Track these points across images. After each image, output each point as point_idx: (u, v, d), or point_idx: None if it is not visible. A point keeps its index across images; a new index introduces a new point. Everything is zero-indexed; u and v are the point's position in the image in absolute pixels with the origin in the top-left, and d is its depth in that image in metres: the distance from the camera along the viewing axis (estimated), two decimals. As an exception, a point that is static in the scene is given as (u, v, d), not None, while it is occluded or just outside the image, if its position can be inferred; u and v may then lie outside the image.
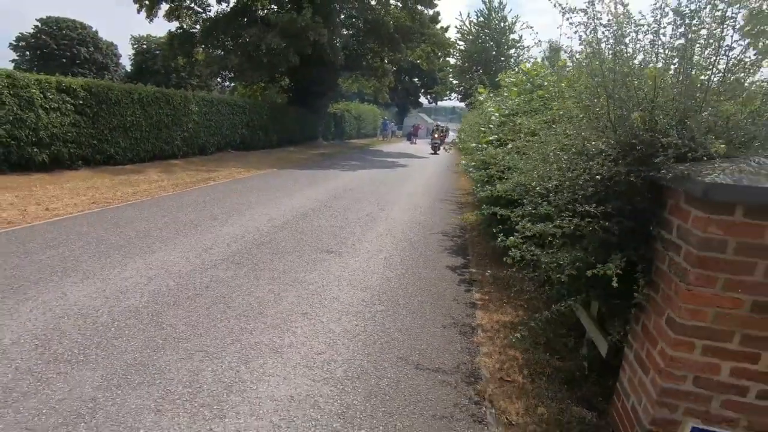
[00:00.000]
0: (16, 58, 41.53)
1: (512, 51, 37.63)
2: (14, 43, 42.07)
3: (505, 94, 5.82)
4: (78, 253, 4.42)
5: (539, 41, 3.15)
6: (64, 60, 40.68)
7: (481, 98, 6.49)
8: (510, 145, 3.76)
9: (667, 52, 2.21)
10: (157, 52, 40.00)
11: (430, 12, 24.14)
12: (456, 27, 39.28)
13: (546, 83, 4.05)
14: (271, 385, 2.50)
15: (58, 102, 8.76)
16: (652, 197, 2.18)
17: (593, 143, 2.35)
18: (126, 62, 46.06)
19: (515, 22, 37.02)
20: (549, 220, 2.47)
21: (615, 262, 2.04)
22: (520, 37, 37.68)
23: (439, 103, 59.88)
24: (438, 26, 37.28)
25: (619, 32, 2.24)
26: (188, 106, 12.75)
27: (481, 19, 37.88)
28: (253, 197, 8.03)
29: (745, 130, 1.95)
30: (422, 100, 56.84)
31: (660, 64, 2.24)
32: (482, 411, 2.43)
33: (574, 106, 2.59)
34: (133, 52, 44.76)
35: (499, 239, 3.17)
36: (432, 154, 22.93)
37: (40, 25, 41.41)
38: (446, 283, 4.40)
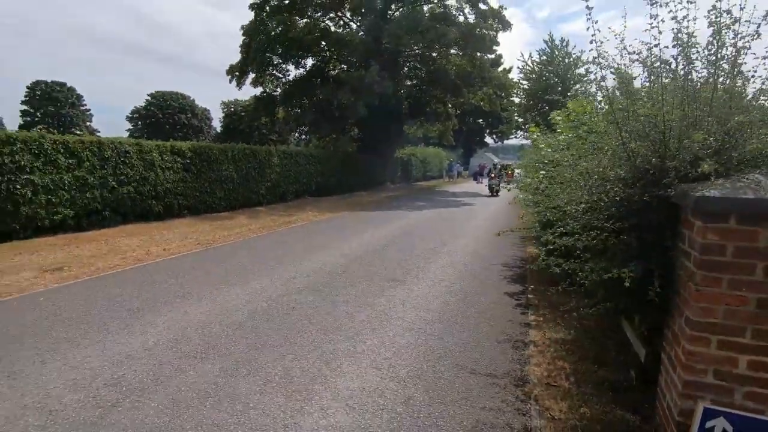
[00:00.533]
0: (131, 128, 48.63)
1: (578, 86, 37.15)
2: (130, 115, 49.50)
3: (558, 130, 6.18)
4: (192, 282, 5.43)
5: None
6: (167, 126, 46.94)
7: (534, 136, 6.89)
8: (542, 173, 4.16)
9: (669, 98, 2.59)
10: (243, 113, 45.23)
11: (491, 56, 25.10)
12: (518, 67, 39.83)
13: (588, 119, 4.42)
14: (346, 380, 3.05)
15: (171, 162, 10.59)
16: (668, 214, 2.50)
17: (613, 171, 2.74)
18: (216, 124, 51.75)
19: (579, 58, 36.76)
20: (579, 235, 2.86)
21: (632, 268, 2.38)
22: (586, 71, 37.22)
23: (506, 141, 59.66)
24: (500, 68, 38.11)
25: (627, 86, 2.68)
26: (271, 159, 14.45)
27: (544, 57, 38.19)
28: (328, 236, 8.92)
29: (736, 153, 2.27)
30: (488, 139, 57.15)
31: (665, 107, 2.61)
32: (527, 407, 2.77)
33: (596, 140, 3.01)
34: (223, 114, 50.22)
35: (542, 258, 3.53)
36: (490, 196, 20.48)
37: (150, 99, 48.52)
38: (503, 306, 4.73)
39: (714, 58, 2.40)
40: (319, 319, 4.23)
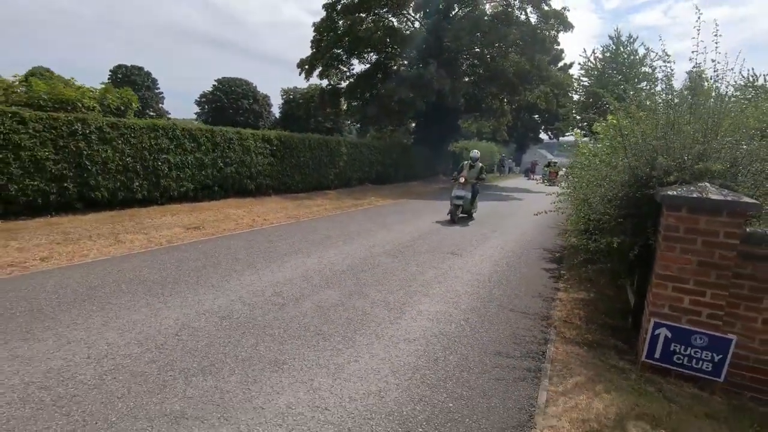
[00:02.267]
0: (198, 111, 52.00)
1: (644, 84, 36.12)
2: (198, 99, 52.91)
3: (600, 136, 7.29)
4: (298, 244, 7.16)
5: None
6: (231, 111, 49.78)
7: (581, 142, 7.96)
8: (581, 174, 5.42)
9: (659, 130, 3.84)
10: (301, 101, 47.56)
11: (551, 55, 25.45)
12: (579, 64, 39.19)
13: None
14: (423, 306, 4.57)
15: (262, 148, 12.56)
16: (652, 207, 3.77)
17: (620, 177, 4.03)
18: (275, 110, 54.12)
19: (646, 56, 35.68)
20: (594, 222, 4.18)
21: (622, 239, 3.70)
22: (653, 69, 36.07)
23: (561, 138, 58.47)
24: (560, 64, 37.69)
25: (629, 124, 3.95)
26: (340, 148, 16.22)
27: (608, 54, 37.36)
28: (392, 219, 10.48)
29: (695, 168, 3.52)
30: (542, 136, 56.38)
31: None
32: (548, 330, 4.16)
33: (610, 153, 4.30)
34: (282, 101, 52.25)
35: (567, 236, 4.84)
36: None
37: (216, 84, 51.63)
38: (540, 276, 6.07)
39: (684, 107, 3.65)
40: (399, 273, 5.77)
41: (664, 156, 3.64)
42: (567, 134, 53.05)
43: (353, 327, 3.96)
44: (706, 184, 3.45)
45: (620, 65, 37.51)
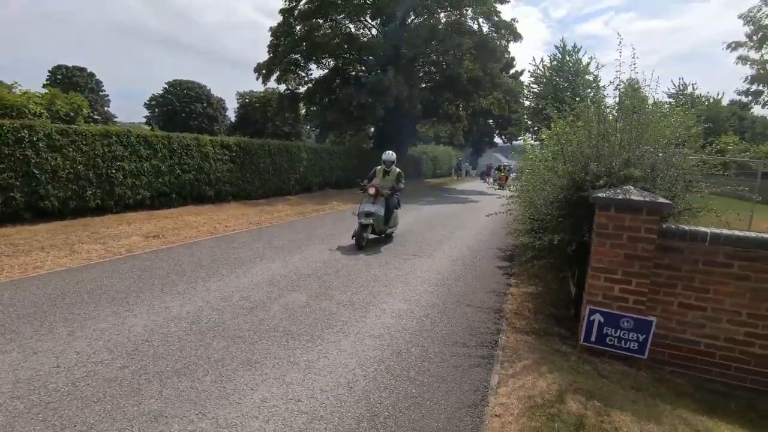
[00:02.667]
0: (148, 114, 49.51)
1: (588, 90, 38.51)
2: (148, 102, 50.32)
3: (546, 143, 7.89)
4: (262, 249, 7.25)
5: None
6: (183, 114, 47.71)
7: (529, 148, 8.58)
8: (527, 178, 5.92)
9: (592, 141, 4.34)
10: (258, 105, 46.61)
11: (500, 64, 26.67)
12: (529, 71, 41.15)
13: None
14: (387, 305, 4.85)
15: (221, 154, 12.43)
16: (587, 208, 4.24)
17: (560, 181, 4.49)
18: (231, 114, 52.46)
19: (589, 64, 38.04)
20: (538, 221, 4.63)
21: (561, 237, 4.15)
22: (595, 77, 38.57)
23: (514, 142, 60.90)
24: (512, 71, 39.38)
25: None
26: (300, 154, 16.27)
27: (555, 62, 39.58)
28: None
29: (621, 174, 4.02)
30: (497, 140, 58.53)
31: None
32: (501, 321, 4.55)
33: (551, 160, 4.78)
34: (238, 105, 50.73)
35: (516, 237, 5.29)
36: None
37: (167, 87, 49.47)
38: (493, 273, 6.51)
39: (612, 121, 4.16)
40: (362, 275, 6.02)
41: (595, 163, 4.13)
42: (519, 138, 55.60)
43: (321, 326, 4.17)
44: (630, 187, 3.95)
45: (566, 73, 39.81)
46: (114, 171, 9.22)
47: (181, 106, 48.89)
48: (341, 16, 24.55)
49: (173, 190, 10.91)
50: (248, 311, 4.44)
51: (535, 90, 40.03)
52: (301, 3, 23.52)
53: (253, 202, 13.39)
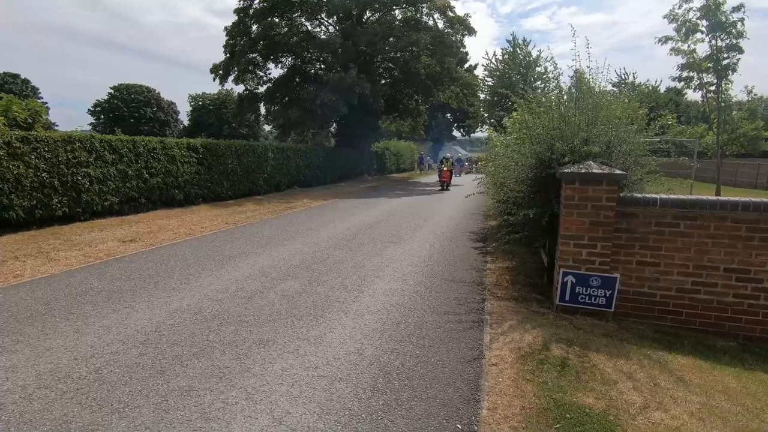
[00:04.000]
0: (93, 121, 46.83)
1: (539, 83, 40.30)
2: (92, 108, 47.45)
3: (509, 130, 8.45)
4: (245, 245, 7.36)
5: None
6: (132, 120, 45.29)
7: (493, 137, 9.14)
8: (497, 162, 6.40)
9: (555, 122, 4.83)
10: (212, 107, 45.28)
11: (456, 59, 27.48)
12: (483, 65, 42.48)
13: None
14: (378, 286, 5.17)
15: (188, 157, 12.25)
16: (555, 183, 4.72)
17: (528, 161, 4.96)
18: (184, 117, 50.64)
19: (539, 57, 39.77)
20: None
21: (534, 211, 4.62)
22: (545, 69, 40.38)
23: (473, 135, 62.61)
24: (467, 65, 40.50)
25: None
26: (267, 153, 16.21)
27: (506, 56, 41.08)
28: (329, 217, 10.93)
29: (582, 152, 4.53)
30: (456, 133, 60.04)
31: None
32: (483, 292, 4.98)
33: (519, 141, 5.25)
34: (190, 108, 49.01)
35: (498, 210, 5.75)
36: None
37: (113, 92, 46.91)
38: (470, 253, 6.97)
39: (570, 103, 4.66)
40: (348, 262, 6.30)
41: (559, 142, 4.61)
42: (477, 131, 57.31)
43: (320, 308, 4.43)
44: (591, 162, 4.46)
45: (518, 66, 41.41)
46: (80, 177, 8.97)
47: (129, 111, 46.61)
48: (297, 14, 24.47)
49: (142, 195, 10.68)
50: (247, 300, 4.63)
51: (490, 83, 41.54)
52: (256, 2, 23.26)
53: (224, 204, 13.28)
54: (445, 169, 20.99)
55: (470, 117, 52.04)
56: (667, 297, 4.31)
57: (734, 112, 16.63)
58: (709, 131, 16.57)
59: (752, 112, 17.98)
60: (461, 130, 58.41)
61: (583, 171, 4.24)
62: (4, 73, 45.54)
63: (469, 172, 36.45)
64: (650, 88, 41.71)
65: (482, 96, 43.00)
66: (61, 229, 8.43)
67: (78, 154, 9.00)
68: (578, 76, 5.38)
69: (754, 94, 13.91)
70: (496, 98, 41.59)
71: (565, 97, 5.21)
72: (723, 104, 12.03)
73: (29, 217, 8.11)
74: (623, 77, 42.77)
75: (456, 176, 30.44)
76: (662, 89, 44.25)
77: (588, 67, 4.96)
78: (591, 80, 5.31)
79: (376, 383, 2.97)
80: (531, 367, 3.15)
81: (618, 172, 4.17)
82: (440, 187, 20.43)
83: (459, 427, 2.50)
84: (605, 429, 2.42)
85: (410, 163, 40.64)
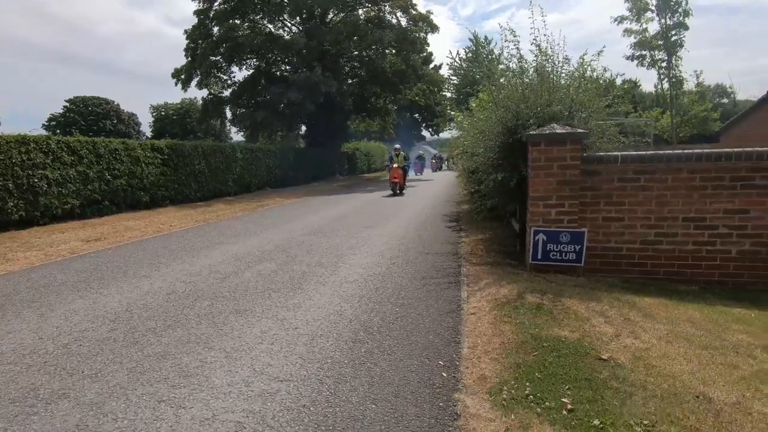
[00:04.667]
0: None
1: (503, 79, 41.33)
2: (47, 123, 45.14)
3: (475, 108, 8.63)
4: (218, 237, 7.20)
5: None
6: (91, 134, 43.40)
7: (459, 118, 9.33)
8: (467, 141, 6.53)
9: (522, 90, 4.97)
10: (175, 117, 44.19)
11: (422, 56, 27.86)
12: (447, 64, 43.21)
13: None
14: (355, 261, 5.17)
15: (152, 158, 11.89)
16: (521, 148, 4.85)
17: (495, 129, 5.08)
18: (146, 128, 49.24)
19: (501, 54, 40.78)
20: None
21: (502, 175, 4.73)
22: (507, 66, 41.47)
23: (441, 134, 63.42)
24: (431, 65, 41.12)
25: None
26: (235, 154, 15.93)
27: (470, 54, 41.97)
28: (302, 211, 10.84)
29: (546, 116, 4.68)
30: (425, 133, 60.68)
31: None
32: (459, 261, 5.05)
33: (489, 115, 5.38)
34: (153, 119, 47.73)
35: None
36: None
37: (68, 105, 44.92)
38: (444, 231, 7.07)
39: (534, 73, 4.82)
40: (324, 245, 6.27)
41: (524, 106, 4.76)
42: (445, 130, 58.16)
43: (297, 281, 4.39)
44: (554, 124, 4.61)
45: (481, 64, 42.27)
46: (36, 180, 8.55)
47: (88, 124, 44.73)
48: (259, 16, 24.23)
49: (105, 197, 10.28)
50: (221, 280, 4.54)
51: (455, 82, 42.32)
52: (216, 3, 22.88)
53: (192, 205, 12.94)
54: (395, 166, 15.09)
55: (438, 115, 52.83)
56: (632, 250, 4.50)
57: (685, 99, 17.57)
58: (663, 115, 17.43)
59: (701, 94, 19.05)
60: (430, 129, 59.10)
61: (547, 132, 4.38)
62: (-55, 88, 42.70)
63: (439, 170, 36.81)
64: (607, 81, 43.46)
65: (448, 95, 43.89)
66: (19, 233, 8.00)
67: (33, 156, 8.59)
68: (537, 46, 5.54)
69: (702, 80, 14.85)
70: (461, 96, 42.63)
71: (526, 66, 5.35)
72: (674, 79, 12.74)
73: (-18, 222, 7.68)
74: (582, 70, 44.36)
75: (418, 174, 30.58)
76: (618, 82, 46.02)
77: (546, 36, 5.13)
78: (549, 48, 5.48)
79: (357, 336, 2.97)
80: (507, 312, 3.23)
81: (580, 130, 4.34)
82: (390, 192, 14.79)
83: (441, 363, 2.54)
84: (580, 352, 2.51)
85: (381, 162, 40.77)
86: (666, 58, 12.87)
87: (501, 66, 29.36)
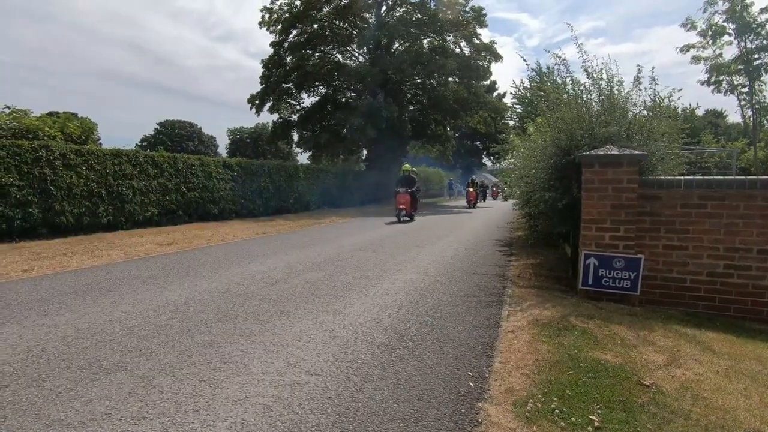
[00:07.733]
0: None
1: (565, 95, 40.14)
2: (139, 143, 50.62)
3: (533, 136, 8.49)
4: (276, 248, 7.61)
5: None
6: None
7: (516, 143, 9.21)
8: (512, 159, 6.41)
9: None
10: (249, 140, 47.64)
11: (485, 83, 27.88)
12: (511, 93, 42.80)
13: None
14: (399, 276, 5.22)
15: (223, 174, 12.89)
16: (575, 169, 4.71)
17: (549, 150, 5.00)
18: (222, 150, 53.45)
19: (564, 83, 39.73)
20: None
21: (551, 195, 4.61)
22: (565, 88, 40.28)
23: (503, 162, 62.14)
24: (495, 94, 40.94)
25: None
26: (297, 173, 16.80)
27: (534, 83, 41.43)
28: (357, 229, 11.12)
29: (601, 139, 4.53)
30: (486, 161, 59.96)
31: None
32: (505, 282, 4.93)
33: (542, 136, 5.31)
34: (229, 141, 51.79)
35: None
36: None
37: (158, 127, 50.27)
38: (494, 255, 6.92)
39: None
40: (371, 260, 6.40)
41: (579, 128, 4.65)
42: (507, 158, 57.12)
43: (341, 290, 4.53)
44: (610, 146, 4.46)
45: (547, 93, 41.23)
46: (124, 189, 9.61)
47: (173, 144, 49.60)
48: (329, 47, 25.75)
49: (180, 208, 11.28)
50: (272, 284, 4.79)
51: (519, 110, 41.77)
52: (291, 36, 24.70)
53: (255, 219, 13.76)
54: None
55: (500, 143, 52.00)
56: (697, 282, 4.15)
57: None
58: (749, 147, 15.91)
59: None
60: (491, 157, 58.26)
61: (601, 153, 4.25)
62: (64, 112, 49.57)
63: (496, 198, 36.01)
64: (687, 111, 40.67)
65: (511, 123, 43.40)
66: (105, 235, 8.99)
67: (124, 167, 9.69)
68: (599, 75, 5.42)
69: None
70: (524, 125, 41.90)
71: (582, 89, 5.24)
72: (757, 106, 11.63)
73: (78, 223, 8.72)
74: (658, 101, 41.91)
75: (481, 201, 29.76)
76: (700, 113, 42.91)
77: (603, 62, 5.02)
78: (604, 72, 5.33)
79: (390, 342, 3.01)
80: (547, 332, 3.11)
81: (638, 152, 4.15)
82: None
83: (470, 374, 2.50)
84: (620, 376, 2.36)
85: (439, 188, 40.80)
86: (748, 83, 11.85)
87: (565, 96, 28.93)
